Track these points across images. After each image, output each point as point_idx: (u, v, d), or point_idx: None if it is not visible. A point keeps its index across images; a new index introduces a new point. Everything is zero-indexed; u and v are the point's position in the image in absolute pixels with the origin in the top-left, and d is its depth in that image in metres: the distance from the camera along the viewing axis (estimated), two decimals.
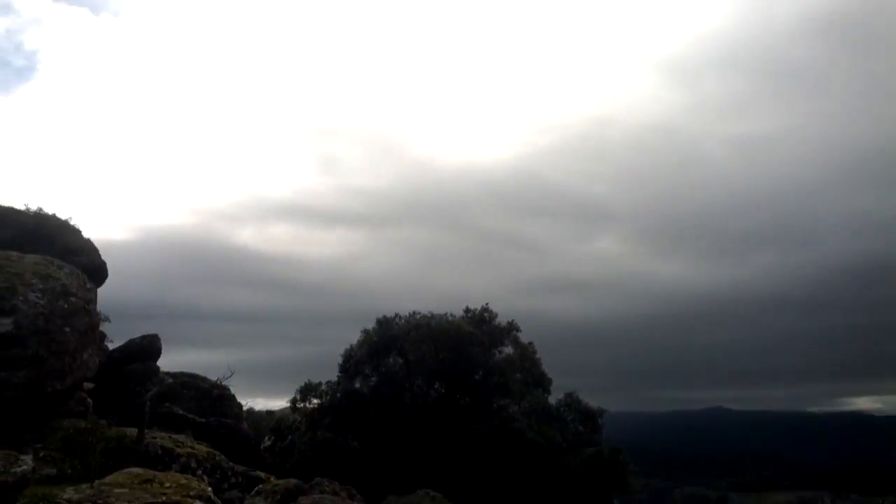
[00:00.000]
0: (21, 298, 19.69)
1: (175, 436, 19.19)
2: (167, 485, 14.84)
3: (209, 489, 15.36)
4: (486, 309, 26.63)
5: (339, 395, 24.31)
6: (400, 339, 25.11)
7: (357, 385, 24.51)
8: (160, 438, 18.29)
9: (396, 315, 26.12)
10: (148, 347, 29.77)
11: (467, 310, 26.67)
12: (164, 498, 14.52)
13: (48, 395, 20.28)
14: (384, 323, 25.95)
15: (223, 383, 35.25)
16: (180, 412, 25.27)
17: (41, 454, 17.91)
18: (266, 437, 29.80)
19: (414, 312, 26.16)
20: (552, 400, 26.35)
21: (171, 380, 30.14)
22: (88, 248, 29.32)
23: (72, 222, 29.46)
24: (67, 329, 20.50)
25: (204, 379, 33.54)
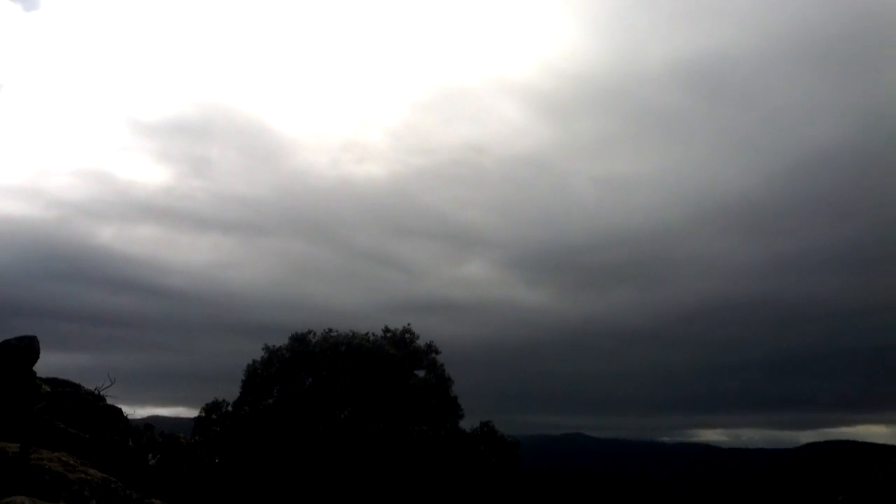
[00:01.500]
0: None
1: (62, 457, 16.78)
2: None
3: None
4: (407, 330, 25.54)
5: (243, 414, 22.41)
6: (316, 358, 23.54)
7: (266, 403, 22.68)
8: (47, 460, 15.91)
9: (310, 332, 24.59)
10: (25, 350, 26.50)
11: (387, 329, 25.48)
12: None
13: None
14: (298, 339, 24.31)
15: (101, 393, 32.30)
16: (61, 426, 22.44)
17: None
18: (150, 455, 27.21)
19: (329, 330, 24.75)
20: (466, 427, 25.60)
21: (47, 388, 26.96)
22: None
23: None
24: None
25: (79, 388, 30.45)
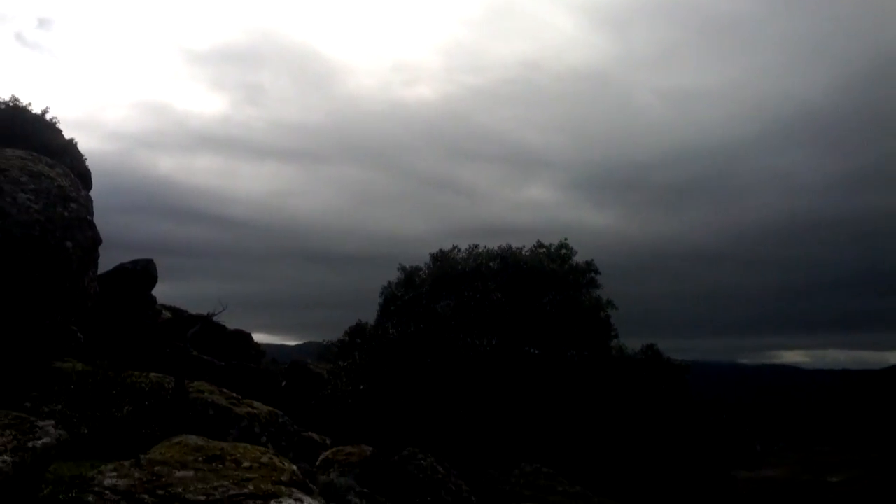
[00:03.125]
0: (9, 200, 14.64)
1: (217, 388, 14.70)
2: (245, 464, 10.34)
3: (299, 473, 10.98)
4: (563, 245, 22.35)
5: (388, 339, 20.05)
6: (464, 276, 20.85)
7: (408, 329, 20.27)
8: (208, 392, 13.79)
9: (455, 247, 21.81)
10: (141, 273, 24.73)
11: (540, 244, 22.34)
12: (250, 487, 9.88)
13: (45, 328, 15.46)
14: (440, 258, 21.56)
15: (215, 319, 30.71)
16: (194, 353, 20.63)
17: (45, 409, 13.26)
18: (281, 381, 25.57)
19: (475, 245, 21.93)
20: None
21: (168, 313, 25.32)
22: (72, 150, 23.86)
23: (48, 117, 23.81)
24: (69, 244, 15.55)
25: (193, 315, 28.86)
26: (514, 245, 21.84)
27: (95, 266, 18.06)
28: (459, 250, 21.85)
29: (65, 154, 22.24)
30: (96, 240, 17.02)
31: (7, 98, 23.06)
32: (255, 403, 14.28)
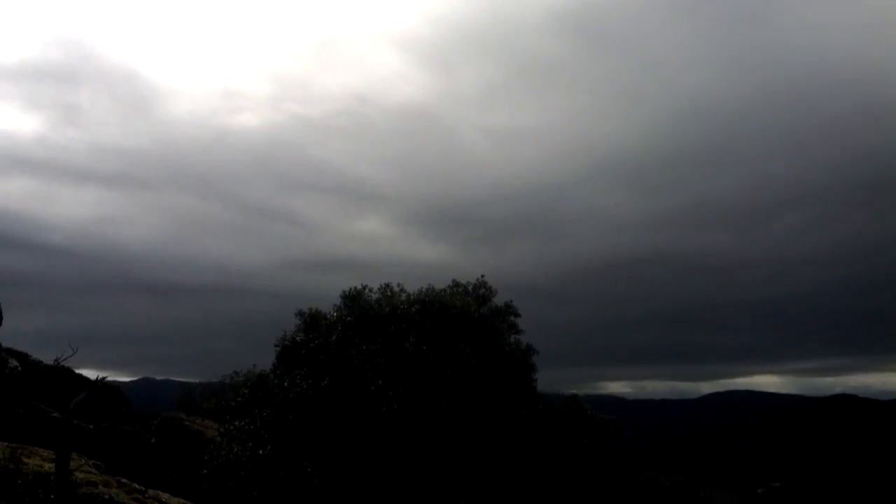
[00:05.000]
0: None
1: (113, 479, 11.92)
2: None
3: None
4: (482, 284, 20.86)
5: (296, 394, 17.71)
6: (384, 320, 18.88)
7: (323, 382, 17.96)
8: (101, 484, 11.06)
9: (365, 287, 19.75)
10: None
11: (456, 283, 20.71)
12: None
13: None
14: (351, 297, 19.47)
15: (62, 364, 26.64)
16: (55, 415, 17.15)
17: None
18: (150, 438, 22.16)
19: (386, 285, 19.98)
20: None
21: (14, 362, 21.22)
22: None
23: None
24: None
25: (32, 360, 24.79)
26: (411, 286, 20.48)
27: None
28: (371, 290, 20.06)
29: None
30: None
31: None
32: (163, 496, 11.68)
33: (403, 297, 19.97)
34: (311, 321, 19.96)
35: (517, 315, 20.71)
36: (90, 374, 25.62)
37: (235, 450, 17.47)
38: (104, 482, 11.07)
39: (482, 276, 21.25)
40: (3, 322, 22.59)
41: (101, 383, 13.76)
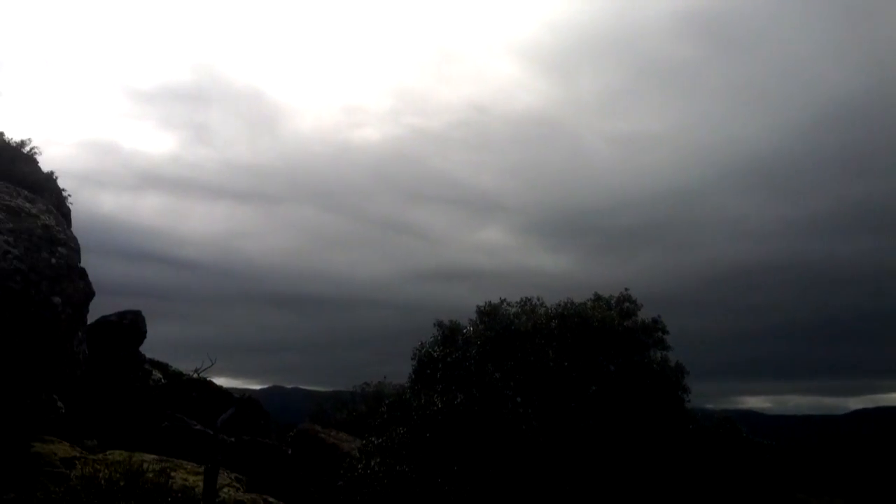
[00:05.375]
0: None
1: (259, 497, 11.36)
2: None
3: None
4: (626, 297, 19.31)
5: (434, 411, 16.83)
6: (525, 335, 17.74)
7: (457, 400, 16.99)
8: (242, 495, 10.47)
9: (503, 301, 18.67)
10: (129, 328, 21.24)
11: (598, 297, 19.30)
12: None
13: (26, 408, 12.06)
14: (487, 313, 18.42)
15: (200, 375, 27.18)
16: (197, 427, 17.19)
17: None
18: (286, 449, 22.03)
19: (527, 299, 18.84)
20: None
21: (158, 374, 21.77)
22: (52, 187, 20.51)
23: (27, 148, 20.48)
24: (57, 299, 12.25)
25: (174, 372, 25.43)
26: (563, 301, 19.01)
27: (85, 324, 14.76)
28: (510, 304, 18.94)
29: (44, 191, 18.97)
30: (88, 293, 13.73)
31: None
32: None
33: (542, 310, 18.64)
34: (450, 334, 19.03)
35: (665, 331, 18.90)
36: (224, 382, 25.95)
37: (372, 464, 16.73)
38: (251, 501, 10.45)
39: (626, 289, 19.61)
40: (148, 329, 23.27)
41: (245, 399, 13.20)
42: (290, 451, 21.99)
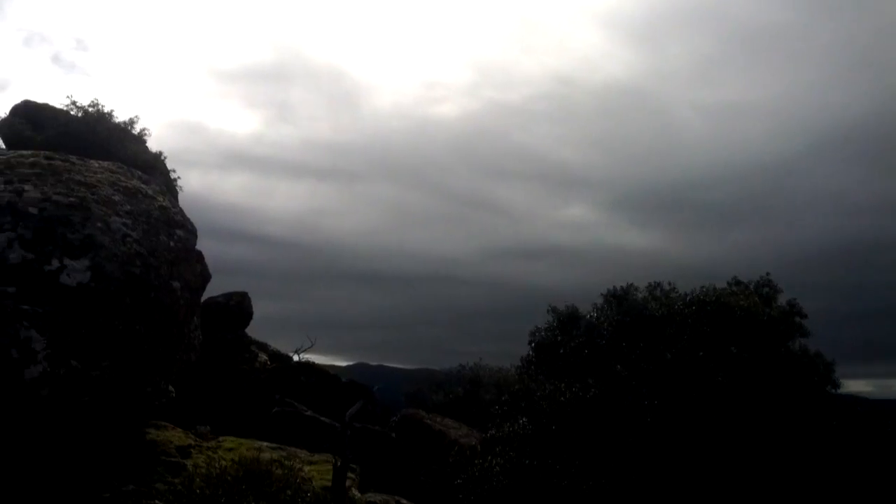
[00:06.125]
0: (100, 226, 10.95)
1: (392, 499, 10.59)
2: None
3: None
4: (766, 282, 17.71)
5: (563, 402, 15.68)
6: (660, 322, 16.41)
7: (591, 392, 15.77)
8: (374, 496, 9.70)
9: (631, 286, 17.40)
10: (235, 310, 21.07)
11: (737, 281, 17.77)
12: None
13: (144, 396, 11.69)
14: (617, 297, 17.15)
15: (302, 357, 26.86)
16: (308, 413, 16.70)
17: None
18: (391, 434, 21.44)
19: (656, 283, 17.49)
20: None
21: (264, 356, 21.55)
22: (161, 167, 20.47)
23: (136, 127, 20.48)
24: (176, 284, 11.78)
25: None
26: (696, 286, 17.45)
27: (200, 308, 14.38)
28: (637, 290, 17.60)
29: (154, 171, 18.84)
30: (206, 276, 13.28)
31: (86, 103, 19.81)
32: None
33: (675, 296, 17.20)
34: (569, 319, 17.83)
35: (803, 316, 17.12)
36: (313, 357, 25.62)
37: (492, 461, 15.77)
38: (384, 502, 9.65)
39: (767, 273, 17.92)
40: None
41: (375, 391, 12.45)
42: (394, 436, 21.38)
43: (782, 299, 17.37)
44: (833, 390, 16.76)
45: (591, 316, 17.58)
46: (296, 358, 26.58)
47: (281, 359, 24.72)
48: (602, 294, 17.92)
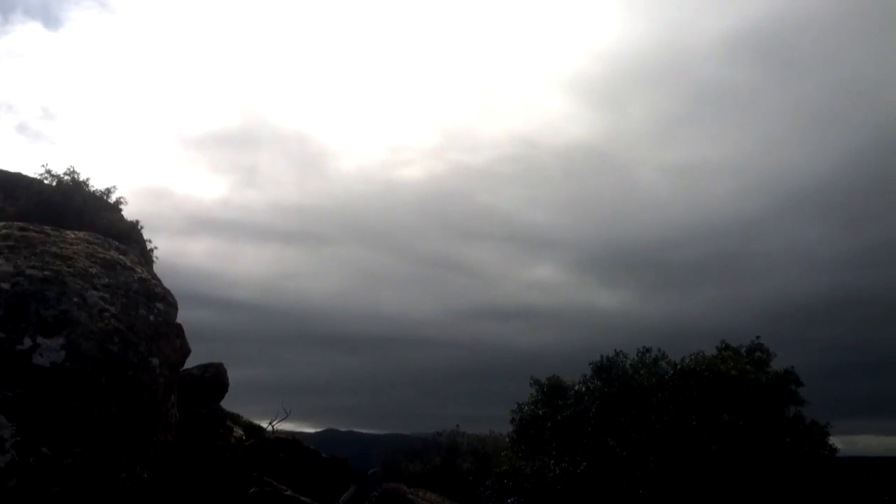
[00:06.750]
0: (76, 301, 10.44)
1: None
2: None
3: None
4: (757, 346, 17.51)
5: (549, 480, 15.10)
6: (648, 391, 16.00)
7: (580, 468, 15.19)
8: None
9: (619, 353, 17.02)
10: (211, 382, 20.27)
11: (726, 346, 17.53)
12: None
13: (118, 483, 10.94)
14: (605, 368, 16.70)
15: (275, 427, 26.03)
16: (294, 496, 15.88)
17: None
18: None
19: (646, 349, 17.15)
20: None
21: (239, 430, 20.67)
22: (137, 237, 19.95)
23: (112, 196, 20.03)
24: (155, 360, 11.21)
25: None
26: (677, 350, 17.22)
27: (178, 384, 13.71)
28: (625, 356, 17.30)
29: (130, 241, 18.34)
30: (185, 351, 12.70)
31: (62, 171, 19.38)
32: None
33: (663, 363, 16.92)
34: (552, 391, 17.39)
35: (799, 383, 16.91)
36: (279, 425, 24.89)
37: None
38: None
39: (757, 337, 17.73)
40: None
41: (364, 474, 11.90)
42: None
43: (776, 364, 17.20)
44: (831, 454, 16.45)
45: (578, 387, 17.17)
46: (269, 428, 25.76)
47: (255, 431, 23.85)
48: (590, 363, 17.51)
